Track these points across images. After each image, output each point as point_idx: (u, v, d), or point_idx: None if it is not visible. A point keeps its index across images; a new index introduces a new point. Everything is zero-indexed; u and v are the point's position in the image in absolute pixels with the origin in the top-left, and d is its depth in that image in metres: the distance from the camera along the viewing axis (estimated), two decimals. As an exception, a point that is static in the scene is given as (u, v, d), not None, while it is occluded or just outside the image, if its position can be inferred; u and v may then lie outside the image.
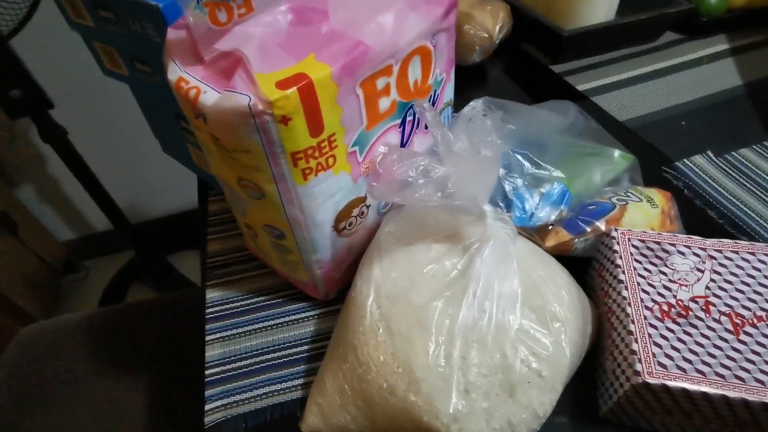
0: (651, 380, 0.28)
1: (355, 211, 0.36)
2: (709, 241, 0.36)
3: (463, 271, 0.31)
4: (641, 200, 0.40)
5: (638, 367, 0.29)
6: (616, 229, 0.37)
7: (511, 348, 0.28)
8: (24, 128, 1.26)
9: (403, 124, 0.36)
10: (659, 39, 0.73)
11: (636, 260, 0.35)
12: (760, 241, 0.39)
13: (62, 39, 1.13)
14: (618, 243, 0.36)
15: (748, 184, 0.50)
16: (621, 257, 0.35)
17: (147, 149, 1.39)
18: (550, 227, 0.37)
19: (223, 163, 0.31)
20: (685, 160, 0.53)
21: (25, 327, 0.87)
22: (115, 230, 1.30)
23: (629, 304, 0.32)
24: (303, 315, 0.41)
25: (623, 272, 0.34)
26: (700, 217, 0.47)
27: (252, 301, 0.43)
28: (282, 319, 0.41)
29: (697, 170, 0.52)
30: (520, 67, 0.71)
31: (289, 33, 0.29)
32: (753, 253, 0.35)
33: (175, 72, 0.29)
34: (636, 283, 0.33)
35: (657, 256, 0.35)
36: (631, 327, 0.31)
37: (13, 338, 0.85)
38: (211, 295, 0.43)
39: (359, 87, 0.30)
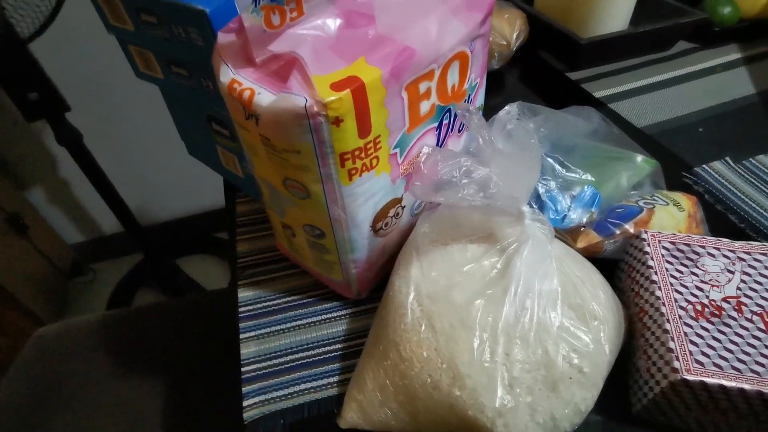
0: (689, 377, 0.29)
1: (392, 212, 0.37)
2: (737, 243, 0.36)
3: (502, 270, 0.32)
4: (668, 204, 0.41)
5: (676, 364, 0.30)
6: (645, 231, 0.38)
7: (553, 345, 0.29)
8: (38, 130, 1.27)
9: (439, 126, 0.37)
10: (673, 48, 0.75)
11: (668, 261, 0.36)
12: None
13: (77, 42, 1.15)
14: (649, 245, 0.37)
15: (766, 189, 0.51)
16: (652, 258, 0.36)
17: (157, 152, 1.40)
18: (582, 229, 0.38)
19: (270, 163, 0.32)
20: (704, 165, 0.54)
21: (40, 328, 0.87)
22: (123, 233, 1.31)
23: (663, 304, 0.33)
24: (335, 314, 0.42)
25: (656, 273, 0.35)
26: (721, 221, 0.48)
27: (284, 300, 0.43)
28: (315, 318, 0.42)
29: (717, 176, 0.53)
30: (537, 73, 0.73)
31: (338, 36, 0.30)
32: (781, 256, 0.35)
33: (227, 74, 0.30)
34: (669, 284, 0.34)
35: (688, 258, 0.36)
36: (667, 326, 0.32)
37: (27, 339, 0.85)
38: (244, 294, 0.44)
39: (404, 90, 0.31)
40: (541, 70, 0.73)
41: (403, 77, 0.30)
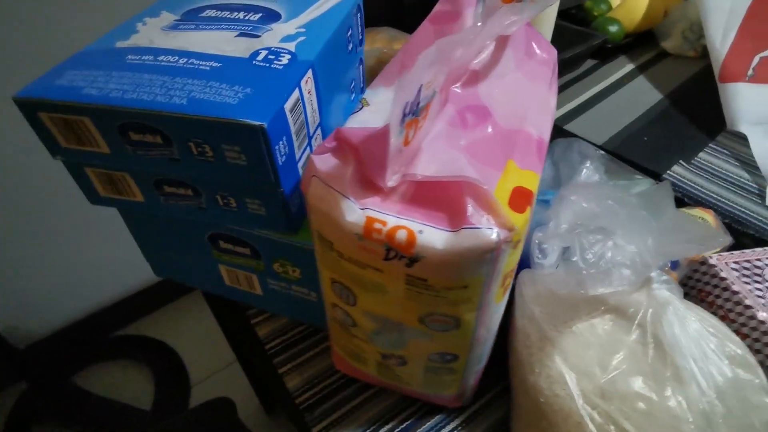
0: (841, 396, 0.31)
1: (503, 305, 0.34)
2: (779, 249, 0.41)
3: (657, 345, 0.31)
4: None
5: (822, 386, 0.32)
6: (711, 256, 0.40)
7: (742, 409, 0.29)
8: None
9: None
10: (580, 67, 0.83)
11: (745, 282, 0.38)
12: (764, 232, 0.48)
13: None
14: (721, 269, 0.39)
15: (721, 183, 0.59)
16: (734, 282, 0.38)
17: (22, 255, 1.11)
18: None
19: (408, 302, 0.26)
20: (669, 172, 0.61)
21: None
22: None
23: (772, 327, 0.35)
24: (446, 430, 0.36)
25: (745, 297, 0.37)
26: (708, 220, 0.54)
27: (381, 433, 0.36)
28: (429, 445, 0.36)
29: (683, 179, 0.60)
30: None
31: (467, 140, 0.26)
32: (812, 251, 0.41)
33: (354, 211, 0.23)
34: (761, 305, 0.37)
35: (755, 274, 0.39)
36: (789, 349, 0.34)
37: None
38: (329, 443, 0.36)
39: (533, 182, 0.28)
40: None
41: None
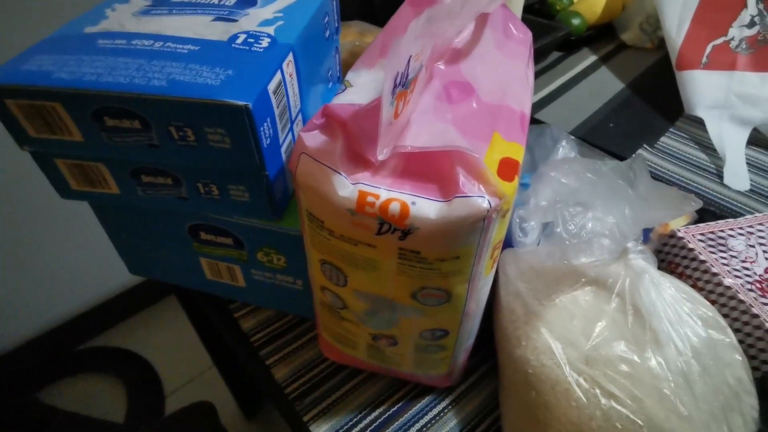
0: (802, 351, 0.33)
1: (489, 282, 0.34)
2: (740, 220, 0.43)
3: (636, 311, 0.32)
4: (665, 199, 0.47)
5: (785, 343, 0.34)
6: (679, 230, 0.42)
7: (716, 367, 0.30)
8: None
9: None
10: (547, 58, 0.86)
11: (711, 252, 0.40)
12: (724, 209, 0.52)
13: None
14: (689, 241, 0.41)
15: (682, 165, 0.62)
16: (701, 253, 0.40)
17: (-22, 270, 1.05)
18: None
19: (400, 277, 0.26)
20: (634, 156, 0.63)
21: None
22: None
23: (737, 292, 0.37)
24: (437, 410, 0.37)
25: (712, 265, 0.39)
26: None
27: (372, 417, 0.36)
28: (419, 424, 0.36)
29: (647, 162, 0.62)
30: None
31: (453, 113, 0.26)
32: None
33: (345, 186, 0.23)
34: (727, 272, 0.39)
35: (719, 244, 0.41)
36: (755, 310, 0.36)
37: None
38: (321, 430, 0.35)
39: (517, 156, 0.29)
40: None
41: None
